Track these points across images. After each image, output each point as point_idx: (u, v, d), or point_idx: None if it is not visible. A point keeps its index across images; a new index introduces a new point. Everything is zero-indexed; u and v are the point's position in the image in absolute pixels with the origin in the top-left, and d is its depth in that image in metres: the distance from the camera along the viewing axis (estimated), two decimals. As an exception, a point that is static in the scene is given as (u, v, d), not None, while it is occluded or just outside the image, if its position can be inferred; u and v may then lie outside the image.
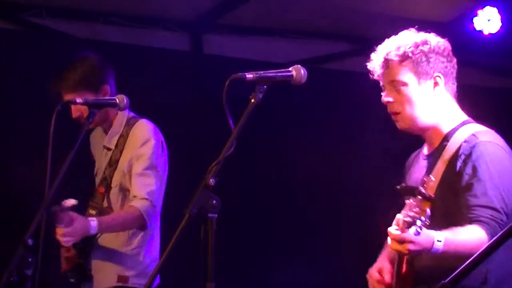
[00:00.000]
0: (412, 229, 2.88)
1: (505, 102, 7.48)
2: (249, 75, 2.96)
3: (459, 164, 3.19)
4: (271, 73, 3.03)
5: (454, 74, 3.39)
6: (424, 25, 3.40)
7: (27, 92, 5.96)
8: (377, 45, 3.39)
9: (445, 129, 3.35)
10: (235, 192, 5.04)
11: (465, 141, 3.24)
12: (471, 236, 3.06)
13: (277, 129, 6.67)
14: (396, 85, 3.31)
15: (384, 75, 3.35)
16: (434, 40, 3.35)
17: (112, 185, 4.48)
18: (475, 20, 6.66)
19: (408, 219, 2.88)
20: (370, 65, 3.39)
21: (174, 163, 6.29)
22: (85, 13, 6.58)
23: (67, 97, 4.43)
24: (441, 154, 3.27)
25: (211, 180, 2.75)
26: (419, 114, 3.31)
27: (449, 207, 3.19)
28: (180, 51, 6.93)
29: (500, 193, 3.14)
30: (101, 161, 4.64)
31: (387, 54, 3.33)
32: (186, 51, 7.00)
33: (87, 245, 4.46)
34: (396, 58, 3.31)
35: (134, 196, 4.38)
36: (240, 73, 2.96)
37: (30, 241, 3.75)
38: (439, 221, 3.09)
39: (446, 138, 3.32)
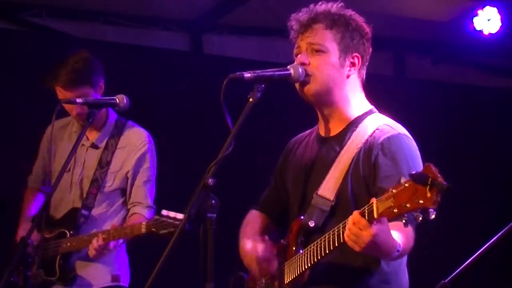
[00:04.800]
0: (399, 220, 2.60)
1: (505, 102, 7.48)
2: (247, 75, 2.95)
3: (375, 153, 3.06)
4: (269, 72, 3.02)
5: (367, 63, 3.25)
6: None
7: (27, 92, 5.96)
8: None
9: (352, 114, 3.20)
10: (234, 192, 5.04)
11: (378, 130, 3.11)
12: (409, 241, 2.95)
13: (276, 128, 6.67)
14: (316, 49, 3.15)
15: (305, 35, 3.18)
16: (360, 20, 3.23)
17: (105, 185, 4.46)
18: (475, 20, 6.66)
19: (408, 205, 2.55)
20: (290, 22, 3.22)
21: (174, 163, 6.30)
22: (85, 13, 6.58)
23: (64, 92, 4.39)
24: (348, 140, 3.14)
25: (210, 180, 2.74)
26: (331, 86, 3.15)
27: (358, 195, 3.06)
28: (180, 51, 6.92)
29: None
30: (77, 157, 4.53)
31: (315, 15, 3.18)
32: (186, 51, 7.00)
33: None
34: (324, 22, 3.16)
35: (139, 203, 4.43)
36: (238, 73, 2.96)
37: (30, 241, 3.76)
38: (345, 208, 2.95)
39: (354, 124, 3.18)
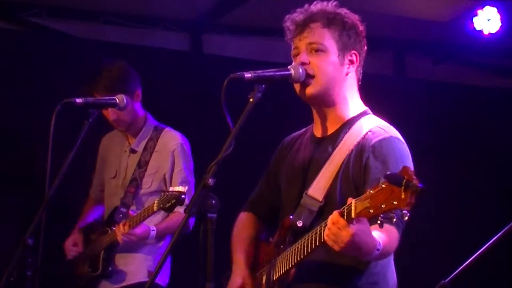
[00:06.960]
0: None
1: (505, 102, 7.48)
2: (248, 75, 2.95)
3: (366, 155, 3.05)
4: (269, 72, 3.02)
5: (363, 62, 3.24)
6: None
7: (27, 92, 5.96)
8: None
9: (346, 115, 3.19)
10: (234, 192, 5.05)
11: (371, 132, 3.10)
12: (392, 241, 2.93)
13: (276, 128, 6.66)
14: (315, 48, 3.14)
15: (303, 35, 3.16)
16: (355, 19, 3.22)
17: (142, 186, 4.71)
18: (475, 20, 6.66)
19: (384, 206, 2.56)
20: (285, 23, 3.21)
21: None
22: (85, 13, 6.58)
23: None
24: (341, 141, 3.14)
25: (210, 180, 2.75)
26: (332, 85, 3.15)
27: (346, 197, 2.94)
28: (180, 51, 6.92)
29: None
30: (121, 163, 4.83)
31: (311, 14, 3.17)
32: (186, 51, 7.00)
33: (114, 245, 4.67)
34: (321, 21, 3.15)
35: None
36: (238, 73, 2.96)
37: (30, 241, 3.76)
38: (333, 209, 2.87)
39: (347, 124, 3.17)
